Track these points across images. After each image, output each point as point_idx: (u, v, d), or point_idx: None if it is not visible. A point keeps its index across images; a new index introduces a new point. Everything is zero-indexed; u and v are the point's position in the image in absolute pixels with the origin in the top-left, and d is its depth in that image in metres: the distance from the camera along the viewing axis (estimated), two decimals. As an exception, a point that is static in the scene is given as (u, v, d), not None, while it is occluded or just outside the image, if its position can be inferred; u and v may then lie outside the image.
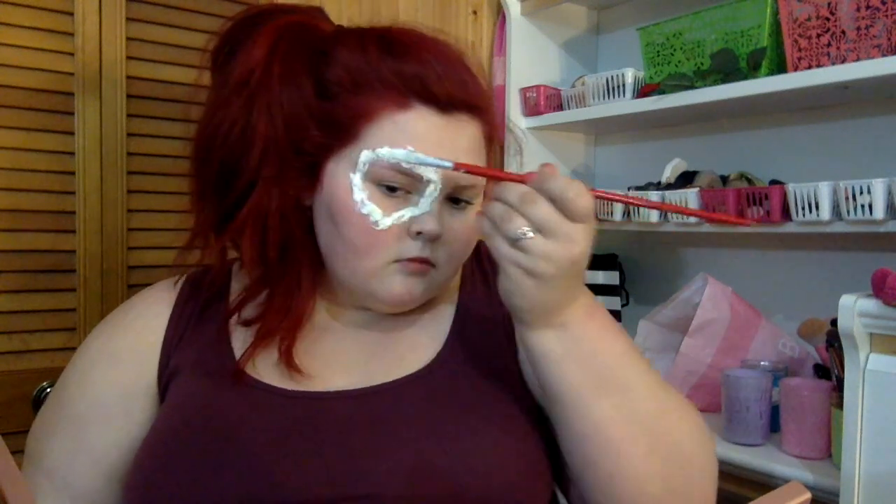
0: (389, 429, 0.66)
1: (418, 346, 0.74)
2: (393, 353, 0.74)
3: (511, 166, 1.36)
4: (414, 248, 0.69)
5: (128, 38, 1.37)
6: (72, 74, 1.32)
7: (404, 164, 0.66)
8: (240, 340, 0.74)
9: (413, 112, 0.68)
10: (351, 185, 0.68)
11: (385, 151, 0.67)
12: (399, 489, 0.63)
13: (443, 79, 0.68)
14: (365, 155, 0.67)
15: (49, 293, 1.31)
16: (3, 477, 0.46)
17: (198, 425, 0.68)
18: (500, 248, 0.59)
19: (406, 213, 0.68)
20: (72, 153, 1.32)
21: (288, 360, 0.71)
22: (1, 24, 1.25)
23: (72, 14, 1.31)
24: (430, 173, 0.67)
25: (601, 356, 0.63)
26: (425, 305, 0.78)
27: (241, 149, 0.70)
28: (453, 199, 0.71)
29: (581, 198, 0.57)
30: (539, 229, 0.58)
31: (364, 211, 0.67)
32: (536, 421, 0.73)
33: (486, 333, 0.76)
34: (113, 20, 1.35)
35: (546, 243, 0.58)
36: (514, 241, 0.58)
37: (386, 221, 0.68)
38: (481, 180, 0.71)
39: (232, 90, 0.71)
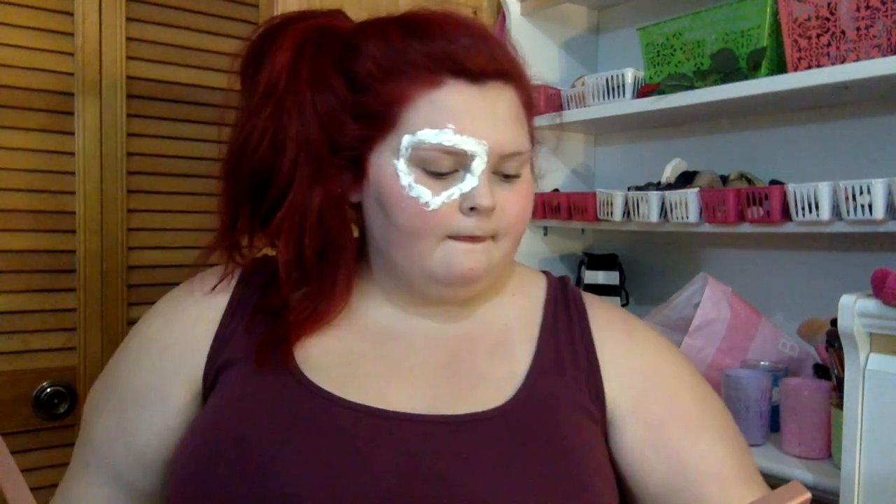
0: (453, 468, 0.63)
1: (494, 379, 0.71)
2: (465, 381, 0.71)
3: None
4: (468, 225, 0.68)
5: (128, 38, 1.37)
6: (72, 74, 1.32)
7: (445, 143, 0.66)
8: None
9: (446, 88, 0.67)
10: (397, 171, 0.67)
11: (425, 134, 0.67)
12: None
13: (470, 50, 0.68)
14: (406, 140, 0.67)
15: (49, 293, 1.31)
16: (3, 477, 0.45)
17: (249, 423, 0.66)
18: None
19: (455, 192, 0.67)
20: (72, 153, 1.32)
21: (285, 356, 0.70)
22: (1, 24, 1.26)
23: (72, 14, 1.31)
24: (472, 146, 0.67)
25: None
26: (500, 334, 0.76)
27: (272, 156, 0.70)
28: (500, 173, 0.70)
29: None
30: None
31: (413, 194, 0.67)
32: (609, 479, 0.70)
33: (566, 377, 0.73)
34: (113, 20, 1.35)
35: None
36: None
37: (436, 201, 0.67)
38: (524, 147, 0.71)
39: (260, 99, 0.71)
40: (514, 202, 0.70)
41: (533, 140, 0.75)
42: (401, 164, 0.67)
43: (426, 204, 0.67)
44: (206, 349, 0.74)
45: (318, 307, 0.72)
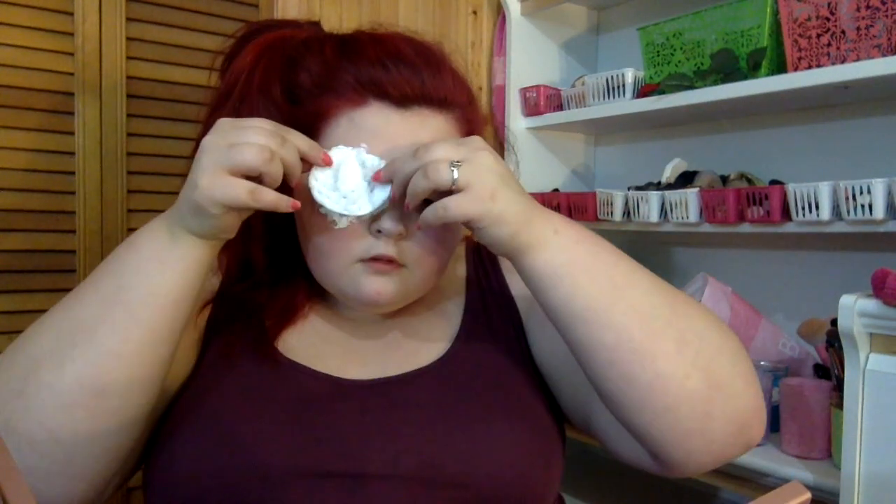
0: (403, 415, 0.68)
1: (431, 341, 0.76)
2: (407, 348, 0.76)
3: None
4: (377, 247, 0.69)
5: (128, 38, 1.37)
6: (72, 74, 1.32)
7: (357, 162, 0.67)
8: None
9: (368, 108, 0.69)
10: (313, 180, 0.68)
11: (338, 150, 0.67)
12: (410, 471, 0.64)
13: (397, 76, 0.69)
14: None
15: (49, 293, 1.31)
16: (3, 477, 0.46)
17: (227, 390, 0.69)
18: (460, 206, 0.61)
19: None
20: (72, 153, 1.32)
21: (270, 348, 0.73)
22: (1, 24, 1.26)
23: (72, 14, 1.31)
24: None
25: (602, 255, 0.64)
26: (436, 303, 0.81)
27: None
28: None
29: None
30: (455, 159, 0.61)
31: (322, 211, 0.68)
32: (549, 408, 0.75)
33: (495, 326, 0.79)
34: (113, 20, 1.35)
35: (471, 163, 0.61)
36: (453, 184, 0.60)
37: (344, 220, 0.67)
38: None
39: (221, 97, 0.74)
40: (432, 231, 0.70)
41: None
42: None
43: (333, 223, 0.68)
44: (208, 310, 0.77)
45: (286, 305, 0.76)
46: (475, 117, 0.76)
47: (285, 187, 0.71)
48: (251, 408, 0.68)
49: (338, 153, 0.67)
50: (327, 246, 0.70)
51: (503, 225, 0.62)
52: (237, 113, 0.72)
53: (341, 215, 0.67)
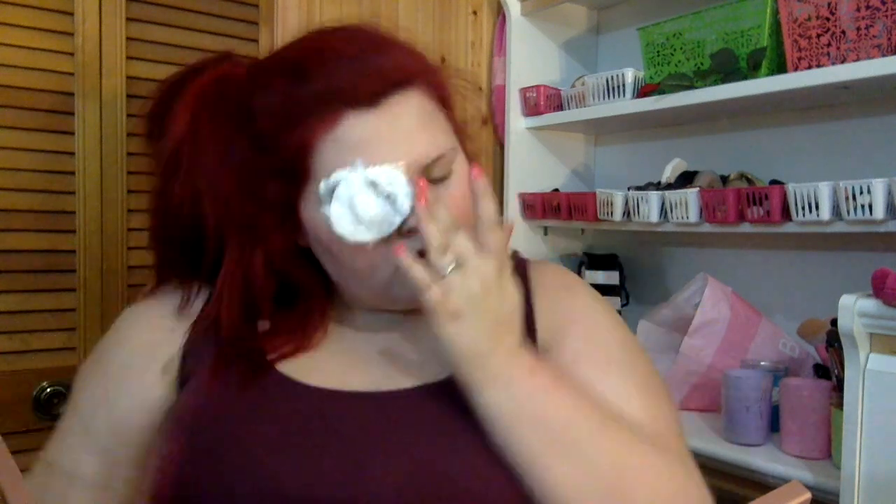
0: (404, 435, 0.66)
1: (436, 357, 0.74)
2: (411, 358, 0.74)
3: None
4: (415, 243, 0.67)
5: (128, 38, 1.37)
6: (72, 74, 1.32)
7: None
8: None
9: (344, 122, 0.66)
10: (328, 220, 0.66)
11: (339, 175, 0.65)
12: (408, 496, 0.63)
13: (355, 77, 0.66)
14: (324, 185, 0.66)
15: (49, 293, 1.31)
16: (3, 477, 0.46)
17: (215, 413, 0.68)
18: (430, 297, 0.62)
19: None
20: (72, 153, 1.32)
21: (266, 365, 0.71)
22: (1, 24, 1.26)
23: (72, 14, 1.31)
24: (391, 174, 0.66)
25: (552, 413, 0.64)
26: None
27: (196, 224, 0.71)
28: (429, 179, 0.69)
29: (495, 231, 0.64)
30: (463, 258, 0.62)
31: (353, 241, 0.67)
32: None
33: None
34: (113, 20, 1.35)
35: (463, 274, 0.62)
36: (440, 278, 0.61)
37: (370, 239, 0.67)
38: (444, 147, 0.69)
39: (167, 168, 0.71)
40: (451, 200, 0.69)
41: (457, 130, 0.74)
42: (328, 211, 0.67)
43: (366, 244, 0.66)
44: (186, 332, 0.75)
45: (297, 343, 0.73)
46: (440, 81, 0.73)
47: (294, 250, 0.73)
48: (248, 429, 0.66)
49: (343, 187, 0.66)
50: (369, 266, 0.68)
51: (446, 349, 0.63)
52: (190, 178, 0.70)
53: (375, 239, 0.66)
